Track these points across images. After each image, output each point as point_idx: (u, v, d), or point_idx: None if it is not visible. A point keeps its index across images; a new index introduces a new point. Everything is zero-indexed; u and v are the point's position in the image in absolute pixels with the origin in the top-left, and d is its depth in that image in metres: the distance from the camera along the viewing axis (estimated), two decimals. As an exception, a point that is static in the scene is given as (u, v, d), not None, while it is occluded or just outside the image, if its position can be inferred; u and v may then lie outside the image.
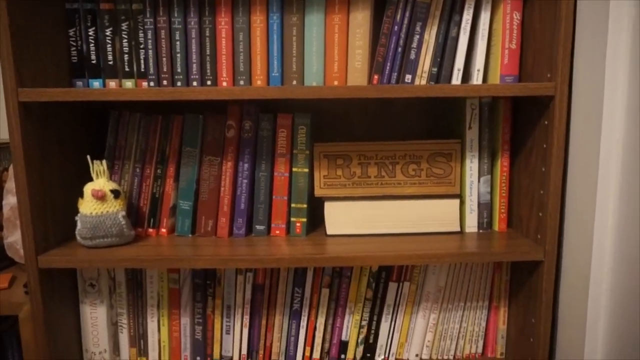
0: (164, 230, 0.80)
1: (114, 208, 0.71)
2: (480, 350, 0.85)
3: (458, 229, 0.79)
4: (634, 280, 0.60)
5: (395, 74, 0.73)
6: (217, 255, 0.69)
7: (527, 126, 0.75)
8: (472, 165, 0.79)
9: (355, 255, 0.69)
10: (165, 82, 0.74)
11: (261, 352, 0.84)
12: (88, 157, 0.72)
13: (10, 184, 0.80)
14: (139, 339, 0.84)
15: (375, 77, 0.73)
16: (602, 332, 0.66)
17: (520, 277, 0.79)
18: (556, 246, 0.70)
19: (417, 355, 0.84)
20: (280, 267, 0.80)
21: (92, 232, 0.70)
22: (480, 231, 0.80)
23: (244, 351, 0.84)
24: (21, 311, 0.69)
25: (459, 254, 0.70)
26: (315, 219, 0.84)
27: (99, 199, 0.69)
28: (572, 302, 0.70)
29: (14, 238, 0.79)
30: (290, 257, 0.69)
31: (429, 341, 0.84)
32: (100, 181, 0.71)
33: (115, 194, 0.71)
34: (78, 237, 0.71)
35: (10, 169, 0.79)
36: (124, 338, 0.84)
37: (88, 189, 0.70)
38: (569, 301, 0.70)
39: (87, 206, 0.70)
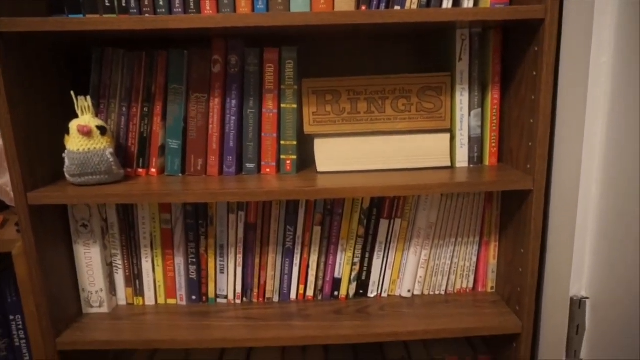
0: (153, 170, 0.79)
1: (101, 145, 0.71)
2: (471, 285, 0.87)
3: (449, 163, 0.79)
4: (620, 206, 0.60)
5: (384, 4, 0.72)
6: (207, 189, 0.69)
7: (518, 56, 0.74)
8: (462, 99, 0.78)
9: (345, 187, 0.69)
10: (147, 16, 0.72)
11: (255, 290, 0.86)
12: (72, 92, 0.71)
13: (-3, 128, 0.79)
14: (135, 279, 0.85)
15: (363, 7, 0.72)
16: (589, 259, 0.66)
17: (511, 209, 0.79)
18: (545, 175, 0.70)
19: (409, 291, 0.86)
20: (271, 201, 0.81)
21: (80, 169, 0.70)
22: (471, 166, 0.80)
23: (239, 290, 0.85)
24: (14, 248, 0.70)
25: (449, 184, 0.70)
26: (306, 158, 0.84)
27: (85, 135, 0.69)
28: (560, 230, 0.70)
29: (4, 180, 0.79)
30: (281, 190, 0.69)
31: (420, 277, 0.85)
32: (85, 117, 0.70)
33: (102, 130, 0.70)
34: (67, 175, 0.71)
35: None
36: (119, 278, 0.85)
37: (74, 125, 0.70)
38: (558, 230, 0.71)
39: (74, 143, 0.70)
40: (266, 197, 0.69)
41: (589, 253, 0.66)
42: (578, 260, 0.67)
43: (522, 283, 0.75)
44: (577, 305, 0.66)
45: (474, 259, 0.85)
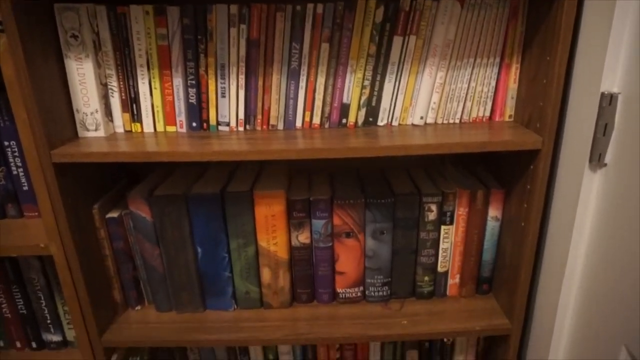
0: (146, -28, 0.72)
1: None
2: (488, 113, 0.81)
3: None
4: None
5: None
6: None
7: None
8: None
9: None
10: None
11: (259, 116, 0.81)
12: None
13: None
14: (131, 104, 0.80)
15: None
16: (625, 50, 0.60)
17: (537, 19, 0.72)
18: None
19: (421, 118, 0.81)
20: (275, 13, 0.74)
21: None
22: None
23: (241, 116, 0.81)
24: (-2, 42, 0.65)
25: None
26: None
27: None
28: (593, 28, 0.63)
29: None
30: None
31: (434, 103, 0.80)
32: None
33: None
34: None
35: None
36: (115, 102, 0.80)
37: None
38: (590, 29, 0.64)
39: None
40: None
41: (625, 43, 0.60)
42: (613, 52, 0.60)
43: (545, 96, 0.70)
44: (607, 100, 0.61)
45: (493, 83, 0.79)
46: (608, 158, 0.63)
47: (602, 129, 0.62)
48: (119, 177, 0.96)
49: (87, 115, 0.78)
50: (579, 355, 0.72)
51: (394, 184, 0.89)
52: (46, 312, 0.92)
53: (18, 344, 0.96)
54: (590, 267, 0.69)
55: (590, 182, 0.66)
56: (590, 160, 0.64)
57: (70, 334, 0.96)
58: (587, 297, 0.70)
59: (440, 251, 0.89)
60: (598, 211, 0.66)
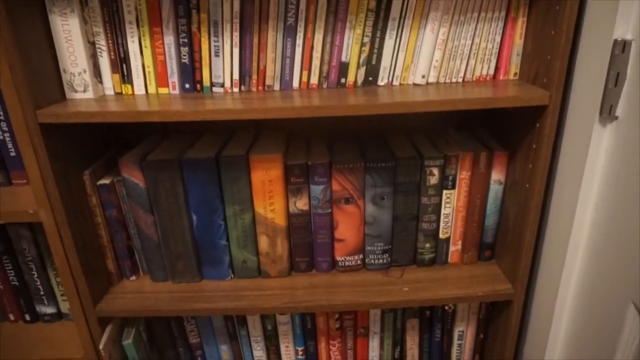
0: None
1: None
2: (492, 71, 0.78)
3: None
4: None
5: None
6: None
7: None
8: None
9: None
10: None
11: (254, 76, 0.78)
12: None
13: None
14: (121, 64, 0.77)
15: None
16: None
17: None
18: None
19: (423, 77, 0.78)
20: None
21: None
22: None
23: (236, 76, 0.77)
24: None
25: None
26: None
27: None
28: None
29: None
30: None
31: (437, 61, 0.77)
32: None
33: None
34: None
35: None
36: (104, 62, 0.77)
37: None
38: None
39: None
40: None
41: None
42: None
43: (553, 48, 0.67)
44: (620, 47, 0.58)
45: (498, 38, 0.76)
46: (619, 111, 0.61)
47: (614, 79, 0.59)
48: (112, 144, 0.93)
49: (74, 76, 0.75)
50: (585, 315, 0.71)
51: (395, 148, 0.87)
52: (39, 283, 0.90)
53: (12, 317, 0.94)
54: (598, 226, 0.67)
55: (599, 138, 0.64)
56: (601, 113, 0.62)
57: (65, 306, 0.94)
58: (594, 256, 0.68)
59: (442, 217, 0.87)
60: (608, 167, 0.64)
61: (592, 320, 0.69)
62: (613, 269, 0.63)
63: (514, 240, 0.82)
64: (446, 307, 0.95)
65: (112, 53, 0.76)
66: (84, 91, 0.76)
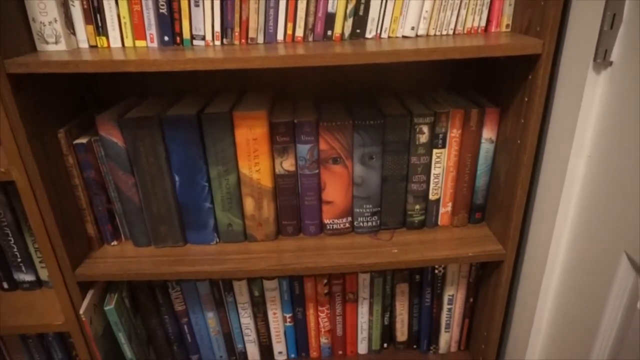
0: None
1: None
2: (484, 23, 0.76)
3: None
4: None
5: None
6: None
7: None
8: None
9: None
10: None
11: (237, 29, 0.74)
12: None
13: None
14: (95, 14, 0.73)
15: None
16: None
17: None
18: None
19: (412, 29, 0.75)
20: None
21: None
22: None
23: (217, 28, 0.74)
24: None
25: None
26: None
27: None
28: None
29: None
30: None
31: (426, 12, 0.74)
32: None
33: None
34: None
35: None
36: (77, 12, 0.73)
37: None
38: None
39: None
40: None
41: None
42: None
43: (542, 18, 0.64)
44: (616, -14, 0.56)
45: (490, -12, 0.73)
46: (614, 55, 0.59)
47: (610, 21, 0.57)
48: (89, 106, 0.89)
49: (44, 26, 0.71)
50: (577, 268, 0.70)
51: (384, 106, 0.84)
52: (15, 249, 0.87)
53: (-12, 285, 0.91)
54: (591, 178, 0.65)
55: (593, 85, 0.62)
56: (595, 59, 0.60)
57: (44, 274, 0.91)
58: (587, 208, 0.66)
59: (432, 177, 0.85)
60: (602, 115, 0.62)
61: (584, 273, 0.68)
62: (606, 220, 0.62)
63: (505, 199, 0.81)
64: (436, 271, 0.94)
65: (84, 1, 0.72)
66: (56, 42, 0.72)
